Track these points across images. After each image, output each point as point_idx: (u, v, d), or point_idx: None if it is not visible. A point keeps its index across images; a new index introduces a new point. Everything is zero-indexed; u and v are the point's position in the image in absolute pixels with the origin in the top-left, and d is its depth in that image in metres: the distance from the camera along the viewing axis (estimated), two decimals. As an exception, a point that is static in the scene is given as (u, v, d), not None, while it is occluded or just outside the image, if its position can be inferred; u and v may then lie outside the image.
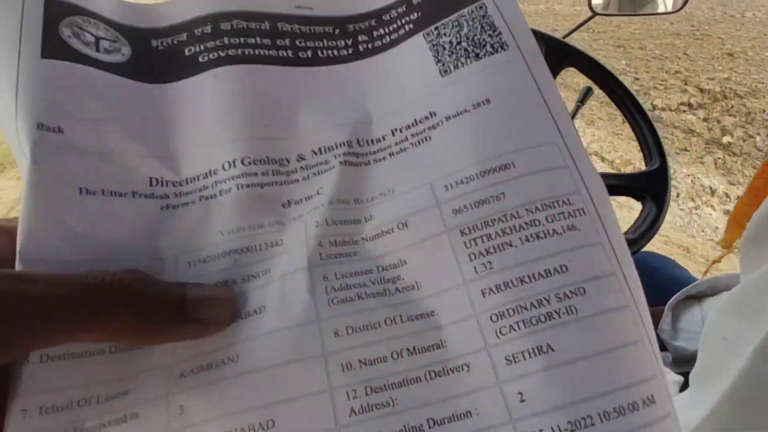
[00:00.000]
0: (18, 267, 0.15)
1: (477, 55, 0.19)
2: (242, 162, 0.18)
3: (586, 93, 0.77)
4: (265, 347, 0.15)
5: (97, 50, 0.18)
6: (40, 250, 0.15)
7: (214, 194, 0.18)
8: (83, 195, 0.16)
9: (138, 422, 0.15)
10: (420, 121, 0.19)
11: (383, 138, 0.19)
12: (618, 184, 0.63)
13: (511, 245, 0.16)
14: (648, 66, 3.50)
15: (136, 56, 0.19)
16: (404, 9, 0.21)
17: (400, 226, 0.17)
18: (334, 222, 0.18)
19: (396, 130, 0.19)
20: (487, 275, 0.16)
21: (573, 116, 0.75)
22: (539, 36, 0.67)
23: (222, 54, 0.19)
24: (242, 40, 0.20)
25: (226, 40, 0.20)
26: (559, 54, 0.67)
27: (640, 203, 0.64)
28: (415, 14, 0.21)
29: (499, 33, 0.19)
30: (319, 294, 0.16)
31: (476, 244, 0.16)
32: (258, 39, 0.20)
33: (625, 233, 0.60)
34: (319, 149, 0.19)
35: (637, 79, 3.23)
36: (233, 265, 0.17)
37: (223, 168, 0.18)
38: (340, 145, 0.19)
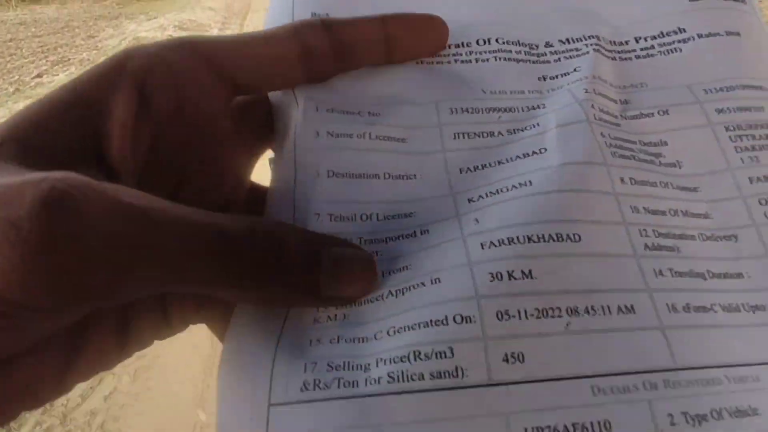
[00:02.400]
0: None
1: None
2: (496, 41, 0.19)
3: None
4: (557, 177, 0.15)
5: None
6: None
7: (470, 60, 0.19)
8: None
9: (429, 236, 0.15)
10: (667, 34, 0.19)
11: (626, 42, 0.20)
12: None
13: None
14: None
15: None
16: None
17: (661, 112, 0.17)
18: (598, 93, 0.17)
19: (640, 38, 0.20)
20: (755, 166, 0.16)
21: None
22: None
23: None
24: None
25: None
26: None
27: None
28: None
29: None
30: (602, 144, 0.16)
31: (741, 140, 0.17)
32: None
33: None
34: (567, 39, 0.19)
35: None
36: (496, 120, 0.17)
37: (477, 43, 0.19)
38: (590, 37, 0.19)
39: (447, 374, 0.12)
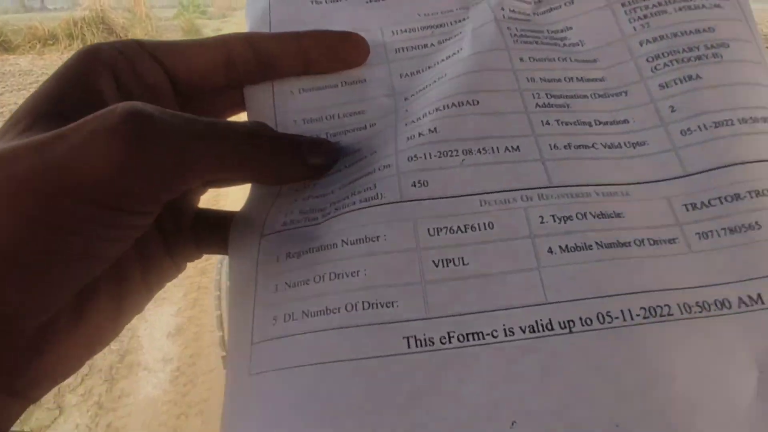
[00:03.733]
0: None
1: None
2: None
3: None
4: (464, 64, 0.19)
5: None
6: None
7: None
8: (313, 4, 0.22)
9: (375, 128, 0.20)
10: None
11: None
12: None
13: (666, 12, 0.19)
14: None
15: None
16: None
17: (567, 3, 0.21)
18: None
19: None
20: (644, 31, 0.19)
21: None
22: None
23: None
24: None
25: None
26: None
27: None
28: None
29: None
30: (506, 35, 0.20)
31: (635, 11, 0.20)
32: None
33: None
34: None
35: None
36: (430, 35, 0.21)
37: None
38: None
39: (371, 198, 0.17)
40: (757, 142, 0.17)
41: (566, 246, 0.15)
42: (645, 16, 0.19)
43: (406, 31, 0.22)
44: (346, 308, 0.15)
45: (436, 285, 0.15)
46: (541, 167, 0.17)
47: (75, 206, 0.13)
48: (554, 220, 0.16)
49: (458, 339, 0.14)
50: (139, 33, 5.89)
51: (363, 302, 0.15)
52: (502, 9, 0.21)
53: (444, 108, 0.18)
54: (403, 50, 0.21)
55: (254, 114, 0.20)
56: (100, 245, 0.14)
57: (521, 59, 0.19)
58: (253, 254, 0.18)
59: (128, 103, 0.14)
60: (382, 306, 0.15)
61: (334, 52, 0.20)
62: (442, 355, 0.14)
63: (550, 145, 0.17)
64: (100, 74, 0.17)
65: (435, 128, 0.18)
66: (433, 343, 0.14)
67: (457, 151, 0.17)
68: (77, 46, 5.40)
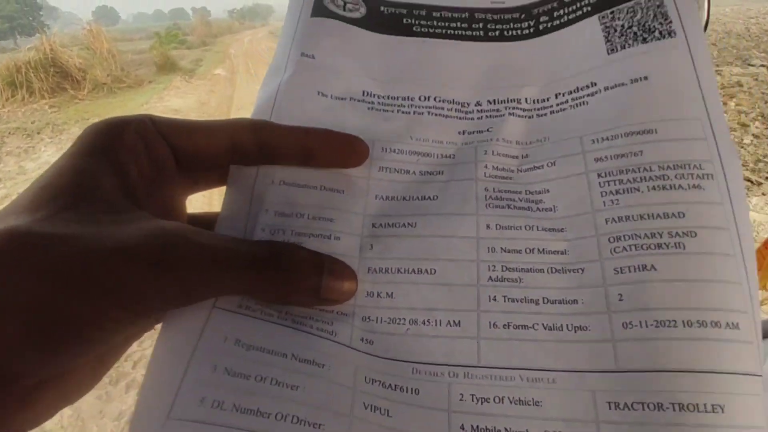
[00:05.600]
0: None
1: (644, 39, 0.22)
2: (434, 99, 0.24)
3: None
4: (435, 222, 0.20)
5: (344, 10, 0.25)
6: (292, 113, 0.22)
7: (409, 112, 0.24)
8: (319, 96, 0.23)
9: (339, 243, 0.20)
10: (581, 89, 0.22)
11: (547, 99, 0.23)
12: None
13: (638, 190, 0.19)
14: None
15: (369, 15, 0.26)
16: None
17: (549, 164, 0.21)
18: (497, 153, 0.22)
19: (559, 94, 0.23)
20: (613, 208, 0.19)
21: None
22: None
23: (431, 30, 0.25)
24: (446, 23, 0.25)
25: (434, 22, 0.25)
26: None
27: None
28: None
29: (670, 22, 0.21)
30: (480, 198, 0.21)
31: (608, 185, 0.19)
32: (458, 24, 0.25)
33: None
34: (494, 100, 0.24)
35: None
36: (415, 162, 0.22)
37: (419, 98, 0.24)
38: (511, 101, 0.23)
39: (326, 331, 0.18)
40: (697, 350, 0.16)
41: (477, 427, 0.17)
42: (617, 192, 0.19)
43: (394, 151, 0.22)
44: (276, 416, 0.15)
45: (361, 423, 0.16)
46: (475, 346, 0.18)
47: (103, 305, 0.15)
48: (473, 400, 0.17)
49: None
50: (100, 74, 4.96)
51: (293, 416, 0.15)
52: (486, 167, 0.22)
53: (405, 272, 0.19)
54: (385, 170, 0.22)
55: (232, 193, 0.21)
56: (113, 338, 0.16)
57: (488, 226, 0.20)
58: (199, 323, 0.17)
59: (171, 233, 0.16)
60: (309, 425, 0.15)
61: (338, 153, 0.21)
62: None
63: (490, 323, 0.18)
64: (125, 154, 0.18)
65: (392, 293, 0.19)
66: None
67: (404, 320, 0.19)
68: (22, 97, 4.44)
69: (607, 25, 0.22)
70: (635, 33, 0.22)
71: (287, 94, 0.22)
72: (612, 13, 0.23)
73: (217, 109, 3.66)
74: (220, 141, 0.19)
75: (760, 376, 0.16)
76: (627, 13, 0.22)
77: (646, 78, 0.20)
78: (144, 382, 0.15)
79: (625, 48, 0.22)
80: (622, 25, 0.22)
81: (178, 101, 3.95)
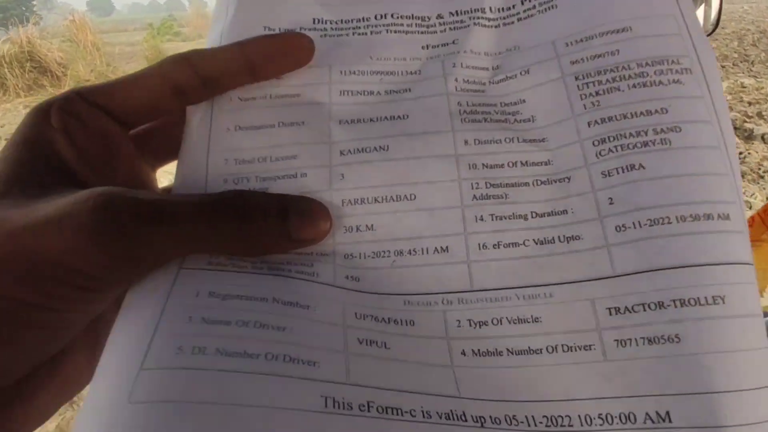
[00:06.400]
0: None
1: None
2: (392, 15, 0.22)
3: None
4: (408, 143, 0.19)
5: None
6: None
7: (366, 33, 0.22)
8: (266, 31, 0.21)
9: (306, 179, 0.19)
10: None
11: (513, 6, 0.22)
12: None
13: (619, 89, 0.18)
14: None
15: None
16: None
17: (523, 72, 0.20)
18: (466, 66, 0.21)
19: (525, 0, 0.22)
20: (594, 110, 0.18)
21: None
22: None
23: None
24: None
25: None
26: None
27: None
28: None
29: None
30: (454, 113, 0.20)
31: (588, 87, 0.19)
32: None
33: None
34: (456, 11, 0.22)
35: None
36: (378, 81, 0.21)
37: (375, 17, 0.22)
38: (475, 10, 0.22)
39: (306, 273, 0.17)
40: (693, 244, 0.16)
41: (478, 350, 0.16)
42: (597, 93, 0.19)
43: (354, 73, 0.21)
44: (266, 357, 0.15)
45: (359, 358, 0.15)
46: (466, 270, 0.18)
47: (46, 287, 0.14)
48: (470, 325, 0.17)
49: (377, 410, 0.14)
50: (82, 69, 4.46)
51: (285, 356, 0.15)
52: (456, 80, 0.20)
53: (381, 200, 0.18)
54: (347, 93, 0.21)
55: (189, 147, 0.19)
56: (69, 317, 0.15)
57: (466, 142, 0.19)
58: (166, 285, 0.16)
59: (100, 194, 0.15)
60: (303, 363, 0.15)
61: (279, 54, 0.20)
62: (359, 421, 0.14)
63: (479, 244, 0.18)
64: (53, 137, 0.17)
65: (372, 225, 0.18)
66: (352, 407, 0.14)
67: (389, 252, 0.18)
68: (-7, 94, 3.96)
69: None
70: None
71: (231, 34, 0.21)
72: None
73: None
74: (157, 86, 0.18)
75: (752, 264, 0.16)
76: None
77: None
78: (107, 346, 0.15)
79: None
80: None
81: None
